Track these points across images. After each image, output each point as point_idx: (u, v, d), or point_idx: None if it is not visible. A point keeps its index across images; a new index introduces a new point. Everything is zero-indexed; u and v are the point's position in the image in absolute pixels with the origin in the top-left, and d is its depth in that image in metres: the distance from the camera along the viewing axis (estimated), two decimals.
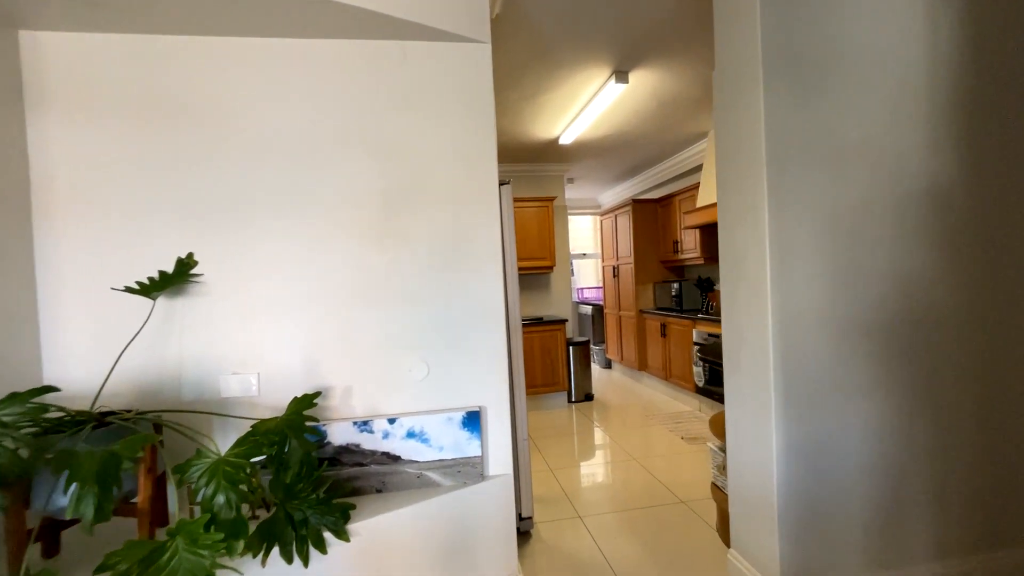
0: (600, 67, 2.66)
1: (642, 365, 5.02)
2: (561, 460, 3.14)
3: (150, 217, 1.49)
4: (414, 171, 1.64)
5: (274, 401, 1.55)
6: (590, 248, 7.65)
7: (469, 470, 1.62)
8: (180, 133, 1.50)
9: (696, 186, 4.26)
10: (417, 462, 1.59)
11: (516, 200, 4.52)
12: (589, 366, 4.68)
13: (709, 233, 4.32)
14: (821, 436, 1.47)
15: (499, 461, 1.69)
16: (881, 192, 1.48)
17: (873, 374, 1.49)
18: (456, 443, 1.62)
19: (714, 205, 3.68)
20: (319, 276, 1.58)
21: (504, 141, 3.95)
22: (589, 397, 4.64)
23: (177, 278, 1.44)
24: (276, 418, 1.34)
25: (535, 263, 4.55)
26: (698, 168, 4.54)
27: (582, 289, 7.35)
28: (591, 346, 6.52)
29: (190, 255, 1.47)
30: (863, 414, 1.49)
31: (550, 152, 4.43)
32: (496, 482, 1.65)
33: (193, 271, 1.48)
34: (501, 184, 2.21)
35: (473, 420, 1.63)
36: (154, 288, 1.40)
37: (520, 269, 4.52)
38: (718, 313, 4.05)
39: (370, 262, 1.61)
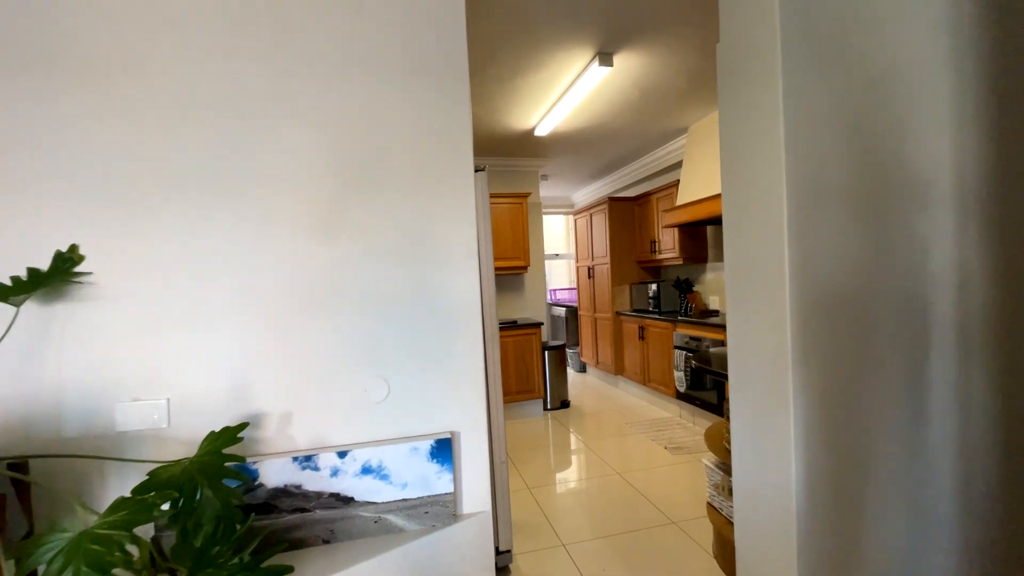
0: (584, 47, 2.43)
1: (619, 369, 4.85)
2: (539, 476, 2.89)
3: (18, 198, 1.14)
4: (372, 147, 1.34)
5: (190, 434, 1.22)
6: (562, 248, 7.47)
7: (439, 510, 1.34)
8: (66, 91, 1.15)
9: (675, 184, 4.11)
10: (375, 504, 1.30)
11: (492, 196, 4.25)
12: (565, 371, 4.47)
13: (688, 232, 4.18)
14: (857, 460, 1.27)
15: (475, 496, 1.41)
16: (908, 175, 1.30)
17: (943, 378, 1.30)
18: (423, 478, 1.34)
19: (695, 203, 3.53)
20: (250, 275, 1.26)
21: (476, 130, 3.68)
22: (565, 404, 4.42)
23: (54, 277, 1.10)
24: (183, 461, 1.02)
25: (509, 263, 4.30)
26: (677, 165, 4.40)
27: (554, 290, 7.16)
28: (566, 348, 6.32)
29: (73, 248, 1.13)
30: (917, 437, 1.30)
31: (525, 145, 4.19)
32: (472, 523, 1.38)
33: (78, 268, 1.14)
34: (476, 171, 1.94)
35: (444, 449, 1.35)
36: (18, 291, 1.05)
37: (497, 268, 4.26)
38: (698, 315, 3.92)
39: (316, 258, 1.30)
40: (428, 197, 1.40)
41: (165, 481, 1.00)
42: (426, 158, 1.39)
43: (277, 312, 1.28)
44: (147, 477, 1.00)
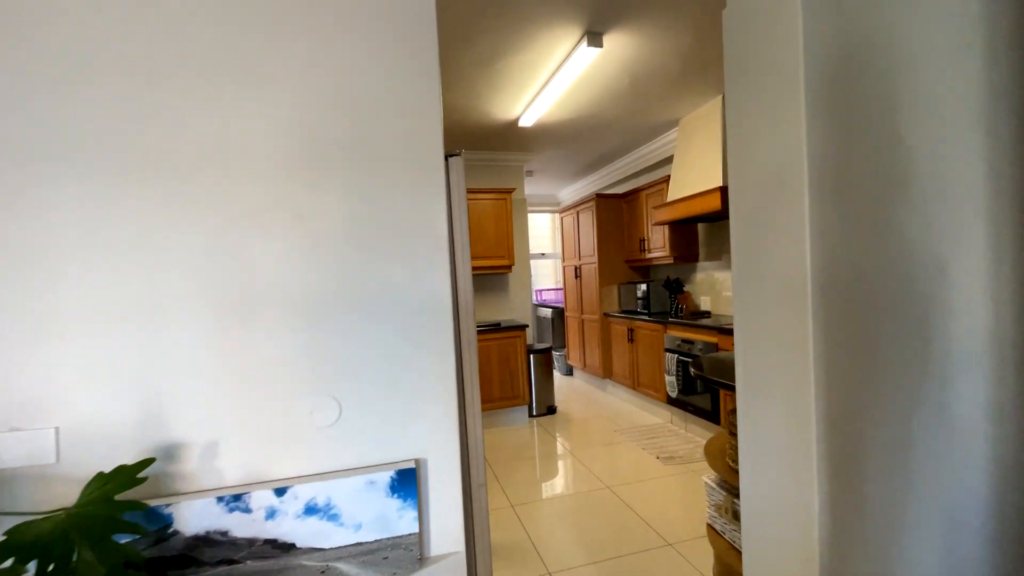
0: (571, 24, 2.23)
1: (607, 372, 4.68)
2: (523, 492, 2.68)
3: None
4: (319, 117, 1.11)
5: (86, 471, 0.98)
6: (548, 247, 7.29)
7: (401, 555, 1.12)
8: None
9: (665, 179, 3.95)
10: (321, 550, 1.07)
11: (471, 192, 4.03)
12: (551, 375, 4.27)
13: (679, 230, 4.03)
14: (888, 478, 1.08)
15: (446, 535, 1.19)
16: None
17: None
18: (381, 517, 1.11)
19: (687, 199, 3.36)
20: (166, 271, 1.02)
21: (455, 120, 3.46)
22: (552, 410, 4.22)
23: None
24: (56, 515, 0.79)
25: (492, 262, 4.08)
26: (667, 160, 4.24)
27: (540, 291, 6.97)
28: (552, 351, 6.13)
29: None
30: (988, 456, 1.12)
31: (509, 138, 3.98)
32: (442, 567, 1.16)
33: None
34: (451, 155, 1.73)
35: (407, 481, 1.13)
36: None
37: (475, 269, 4.04)
38: (690, 316, 3.76)
39: (250, 252, 1.07)
40: (389, 178, 1.17)
41: (29, 543, 0.76)
42: (385, 131, 1.17)
43: (201, 317, 1.04)
44: (3, 537, 0.76)
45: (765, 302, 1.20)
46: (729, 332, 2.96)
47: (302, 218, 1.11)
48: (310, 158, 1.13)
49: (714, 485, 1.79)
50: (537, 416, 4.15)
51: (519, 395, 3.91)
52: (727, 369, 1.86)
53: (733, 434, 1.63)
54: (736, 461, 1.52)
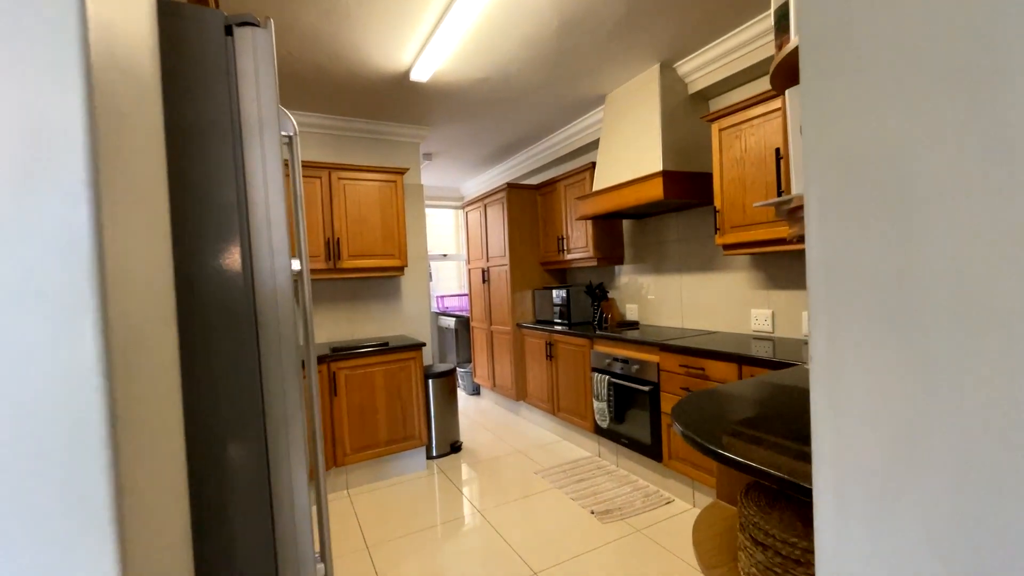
0: None
1: (521, 394, 3.98)
2: None
3: None
4: None
5: None
6: (451, 248, 6.45)
7: None
8: None
9: (589, 167, 3.37)
10: None
11: (348, 169, 3.06)
12: (455, 404, 3.45)
13: (605, 227, 3.47)
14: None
15: None
16: None
17: None
18: None
19: (618, 188, 2.78)
20: None
21: (319, 65, 2.49)
22: (456, 447, 3.40)
23: None
24: None
25: (378, 262, 3.15)
26: (590, 146, 3.68)
27: (442, 297, 6.10)
28: (456, 372, 5.30)
29: None
30: None
31: (399, 101, 3.09)
32: None
33: None
34: (237, 24, 0.84)
35: None
36: None
37: (356, 271, 3.08)
38: (616, 327, 3.20)
39: None
40: None
41: None
42: None
43: None
44: None
45: (862, 314, 0.51)
46: (672, 349, 2.41)
47: None
48: None
49: None
50: (438, 457, 3.30)
51: (414, 434, 3.03)
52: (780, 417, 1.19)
53: (760, 544, 0.98)
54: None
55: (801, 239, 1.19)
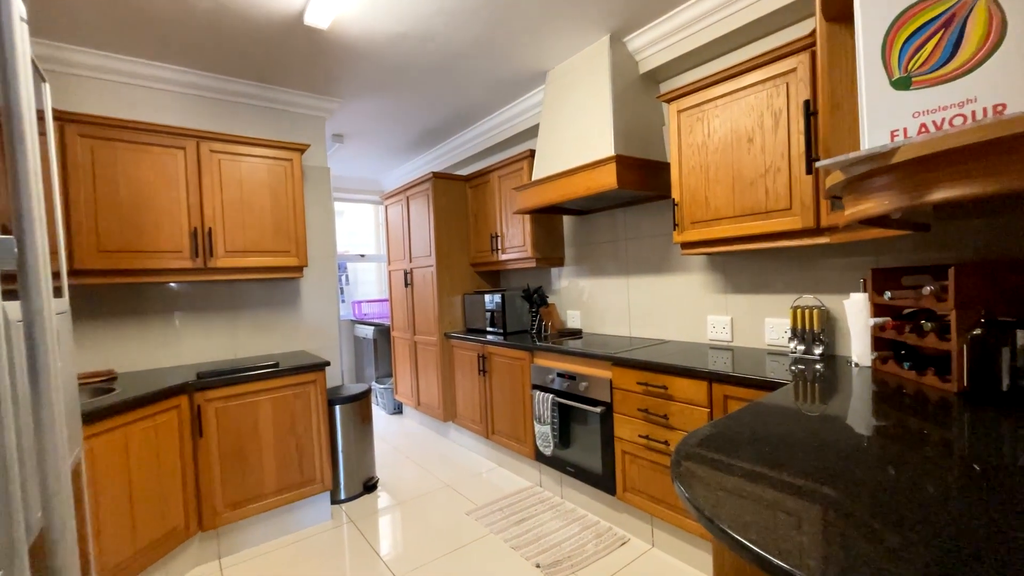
0: None
1: (449, 413, 3.47)
2: None
3: None
4: None
5: None
6: (372, 247, 5.77)
7: None
8: None
9: (526, 156, 2.97)
10: None
11: (225, 140, 2.39)
12: (370, 433, 2.86)
13: (544, 224, 3.08)
14: None
15: None
16: None
17: None
18: None
19: (562, 176, 2.40)
20: None
21: (186, 7, 1.84)
22: (371, 486, 2.81)
23: None
24: None
25: (267, 260, 2.50)
26: (529, 133, 3.28)
27: (359, 303, 5.40)
28: (373, 390, 4.67)
29: None
30: None
31: (296, 59, 2.47)
32: None
33: None
34: None
35: None
36: None
37: (236, 271, 2.40)
38: (557, 337, 2.82)
39: None
40: None
41: None
42: None
43: None
44: None
45: None
46: (628, 364, 2.06)
47: None
48: None
49: None
50: (349, 500, 2.69)
51: (314, 477, 2.41)
52: None
53: None
54: None
55: (865, 222, 0.85)
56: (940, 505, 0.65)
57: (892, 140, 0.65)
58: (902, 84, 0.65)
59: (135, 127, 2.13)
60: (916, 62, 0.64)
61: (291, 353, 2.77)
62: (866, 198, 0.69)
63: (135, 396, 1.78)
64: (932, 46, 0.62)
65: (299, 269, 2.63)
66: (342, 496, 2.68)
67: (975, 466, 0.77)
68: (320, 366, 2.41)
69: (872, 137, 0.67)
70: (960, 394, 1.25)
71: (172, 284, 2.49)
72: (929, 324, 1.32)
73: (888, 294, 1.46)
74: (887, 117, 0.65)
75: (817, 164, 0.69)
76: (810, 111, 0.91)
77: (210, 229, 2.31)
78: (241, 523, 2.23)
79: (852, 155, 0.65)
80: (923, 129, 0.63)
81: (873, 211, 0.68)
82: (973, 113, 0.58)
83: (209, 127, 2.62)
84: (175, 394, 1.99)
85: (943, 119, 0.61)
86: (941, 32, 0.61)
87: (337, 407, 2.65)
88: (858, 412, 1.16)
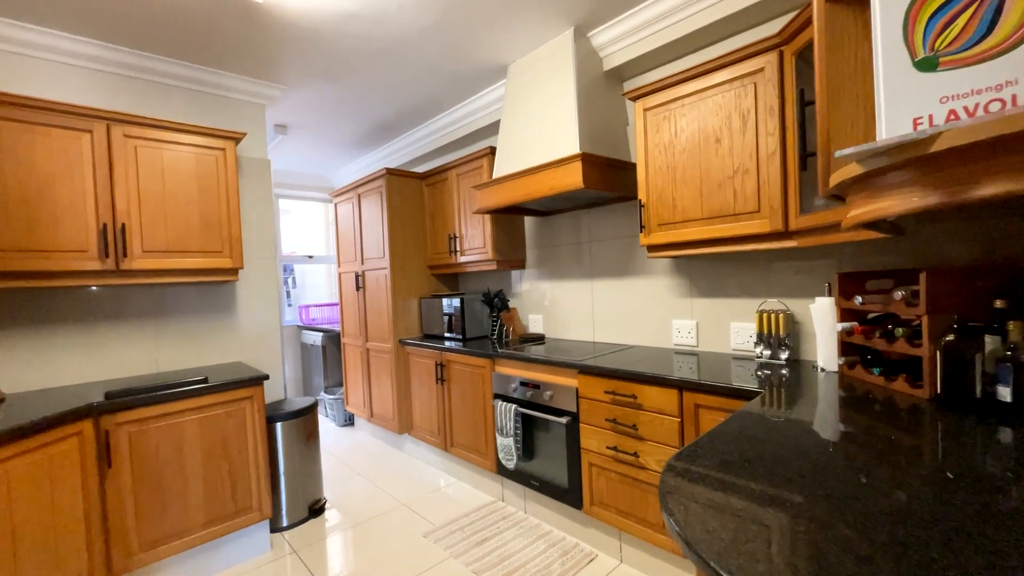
0: None
1: (405, 425, 3.27)
2: None
3: None
4: None
5: None
6: (322, 249, 5.44)
7: None
8: None
9: (487, 152, 2.83)
10: None
11: (142, 124, 2.09)
12: (316, 451, 2.62)
13: (505, 224, 2.95)
14: None
15: None
16: None
17: None
18: None
19: (525, 174, 2.29)
20: None
21: None
22: (317, 510, 2.57)
23: None
24: None
25: (194, 262, 2.21)
26: (489, 130, 3.14)
27: (307, 307, 5.06)
28: (322, 401, 4.37)
29: None
30: None
31: (232, 37, 2.21)
32: None
33: None
34: None
35: None
36: None
37: (156, 274, 2.11)
38: (519, 343, 2.70)
39: None
40: None
41: None
42: None
43: None
44: None
45: None
46: (595, 372, 1.96)
47: None
48: None
49: None
50: (291, 527, 2.44)
51: (249, 505, 2.15)
52: None
53: None
54: None
55: (871, 224, 0.77)
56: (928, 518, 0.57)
57: (915, 128, 0.57)
58: (927, 65, 0.57)
59: (25, 104, 1.80)
60: (944, 40, 0.56)
61: (227, 365, 2.48)
62: (884, 195, 0.61)
63: (19, 424, 1.48)
64: (964, 22, 0.55)
65: (233, 271, 2.36)
66: (284, 523, 2.42)
67: (949, 474, 0.70)
68: (257, 380, 2.15)
69: (891, 126, 0.59)
70: (933, 400, 1.23)
71: (81, 288, 2.15)
72: (900, 329, 1.30)
73: (859, 299, 1.43)
74: (909, 102, 0.57)
75: (837, 154, 0.60)
76: (804, 101, 0.83)
77: (123, 226, 2.01)
78: (163, 562, 1.94)
79: (878, 143, 0.56)
80: (952, 116, 0.55)
81: (893, 210, 0.59)
82: (1014, 98, 0.51)
83: (130, 111, 2.30)
84: (76, 419, 1.69)
85: (976, 104, 0.54)
86: (975, 6, 0.54)
87: (278, 424, 2.40)
88: (853, 423, 1.11)
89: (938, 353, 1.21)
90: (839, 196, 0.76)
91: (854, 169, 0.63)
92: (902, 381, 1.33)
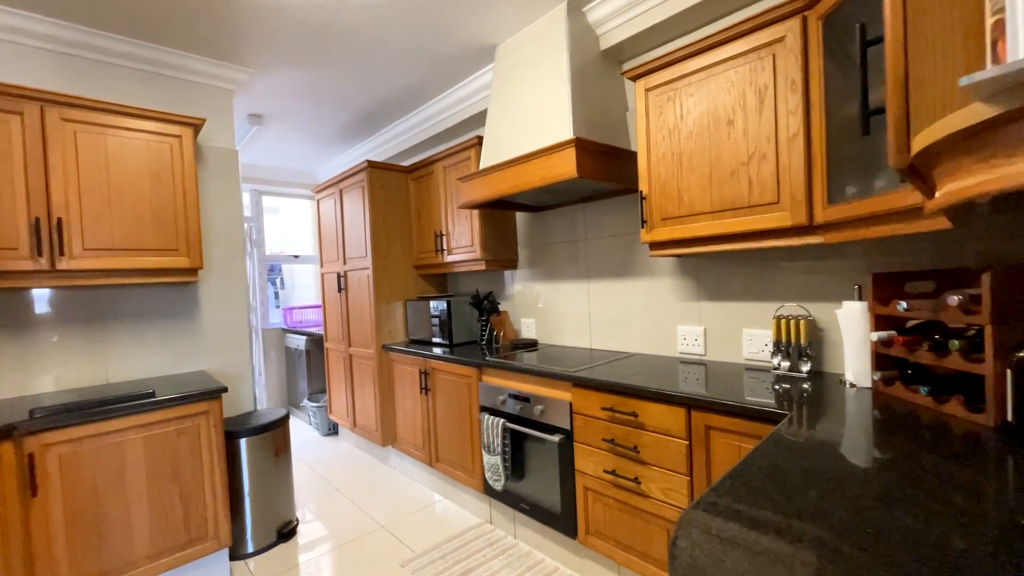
0: None
1: (388, 437, 3.05)
2: None
3: None
4: None
5: None
6: (310, 247, 5.22)
7: None
8: None
9: (475, 142, 2.61)
10: None
11: (83, 106, 1.87)
12: (287, 468, 2.39)
13: (494, 221, 2.73)
14: None
15: None
16: None
17: None
18: None
19: (514, 163, 2.06)
20: None
21: None
22: (287, 533, 2.34)
23: None
24: None
25: (146, 261, 1.99)
26: (476, 120, 2.92)
27: (291, 309, 4.84)
28: (306, 408, 4.15)
29: None
30: None
31: (187, 9, 1.99)
32: None
33: None
34: None
35: None
36: None
37: (99, 274, 1.87)
38: (510, 349, 2.48)
39: None
40: None
41: None
42: None
43: None
44: None
45: None
46: (591, 385, 1.74)
47: None
48: None
49: None
50: (256, 553, 2.21)
51: (204, 533, 1.92)
52: None
53: None
54: None
55: (953, 209, 0.54)
56: None
57: None
58: None
59: None
60: None
61: (188, 375, 2.26)
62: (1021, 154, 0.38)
63: None
64: None
65: (192, 272, 2.13)
66: (249, 549, 2.19)
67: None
68: (213, 393, 1.93)
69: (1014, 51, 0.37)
70: (1000, 429, 1.00)
71: (14, 291, 1.93)
72: (956, 342, 1.08)
73: (903, 304, 1.21)
74: None
75: (963, 81, 0.38)
76: (865, 41, 0.63)
77: (60, 220, 1.78)
78: None
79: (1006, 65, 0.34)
80: None
81: None
82: None
83: (71, 92, 2.08)
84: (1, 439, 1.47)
85: None
86: None
87: (242, 441, 2.17)
88: (913, 458, 0.88)
89: (1008, 372, 0.99)
90: (914, 171, 0.53)
91: (973, 114, 0.41)
92: (956, 403, 1.10)
